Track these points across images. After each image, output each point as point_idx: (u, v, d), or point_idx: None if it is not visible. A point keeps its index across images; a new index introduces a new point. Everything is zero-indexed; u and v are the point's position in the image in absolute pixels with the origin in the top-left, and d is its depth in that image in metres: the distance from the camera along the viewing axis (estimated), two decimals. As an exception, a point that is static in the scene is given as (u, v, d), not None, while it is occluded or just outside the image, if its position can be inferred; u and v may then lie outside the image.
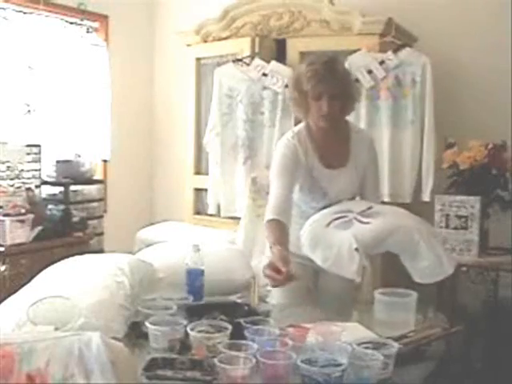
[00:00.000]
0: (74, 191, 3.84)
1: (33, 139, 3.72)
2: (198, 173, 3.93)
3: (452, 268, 1.90)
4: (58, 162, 3.85)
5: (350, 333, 1.57)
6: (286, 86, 3.27)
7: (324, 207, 2.12)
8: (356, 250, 1.83)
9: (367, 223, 1.92)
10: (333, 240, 1.91)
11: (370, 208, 2.01)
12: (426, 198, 3.20)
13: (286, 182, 2.07)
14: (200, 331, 1.53)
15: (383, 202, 3.17)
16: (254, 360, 1.33)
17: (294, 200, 2.17)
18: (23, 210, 3.27)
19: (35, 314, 1.55)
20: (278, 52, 3.57)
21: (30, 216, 3.29)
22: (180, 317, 1.66)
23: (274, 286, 1.82)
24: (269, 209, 2.02)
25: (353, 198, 2.19)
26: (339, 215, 1.99)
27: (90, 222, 3.85)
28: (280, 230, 1.93)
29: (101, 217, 4.07)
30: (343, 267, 1.86)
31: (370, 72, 3.22)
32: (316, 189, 2.14)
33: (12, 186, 3.41)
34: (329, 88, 2.02)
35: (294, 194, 2.15)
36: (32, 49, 3.81)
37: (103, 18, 4.36)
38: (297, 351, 1.39)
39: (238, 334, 1.52)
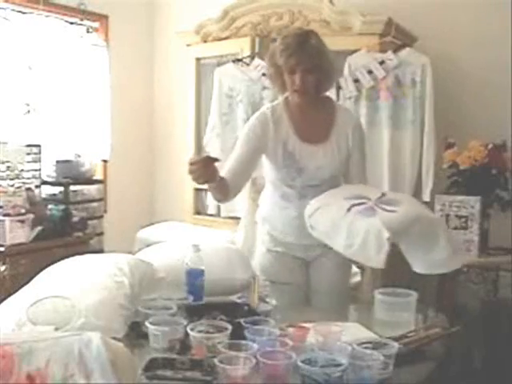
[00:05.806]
0: (74, 191, 3.84)
1: (33, 139, 3.72)
2: (198, 173, 3.92)
3: (460, 263, 2.00)
4: (57, 162, 3.86)
5: (350, 333, 1.57)
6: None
7: (302, 186, 2.10)
8: (388, 239, 1.75)
9: (392, 211, 1.84)
10: (358, 227, 1.83)
11: (384, 195, 1.95)
12: (426, 198, 3.21)
13: (245, 150, 2.13)
14: (200, 331, 1.53)
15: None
16: (253, 360, 1.33)
17: (271, 180, 2.19)
18: (23, 210, 3.27)
19: (35, 314, 1.55)
20: (278, 52, 3.57)
21: (30, 216, 3.29)
22: (180, 317, 1.66)
23: (199, 181, 1.89)
24: (224, 170, 2.10)
25: (333, 178, 2.12)
26: (358, 201, 1.90)
27: (90, 222, 3.85)
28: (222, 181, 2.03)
29: (101, 217, 4.07)
30: (369, 256, 1.79)
31: (370, 72, 3.22)
32: (290, 163, 2.10)
33: (12, 185, 3.41)
34: (301, 61, 1.99)
35: (268, 172, 2.17)
36: (32, 49, 3.80)
37: (103, 18, 4.36)
38: (297, 351, 1.39)
39: (238, 333, 1.52)
